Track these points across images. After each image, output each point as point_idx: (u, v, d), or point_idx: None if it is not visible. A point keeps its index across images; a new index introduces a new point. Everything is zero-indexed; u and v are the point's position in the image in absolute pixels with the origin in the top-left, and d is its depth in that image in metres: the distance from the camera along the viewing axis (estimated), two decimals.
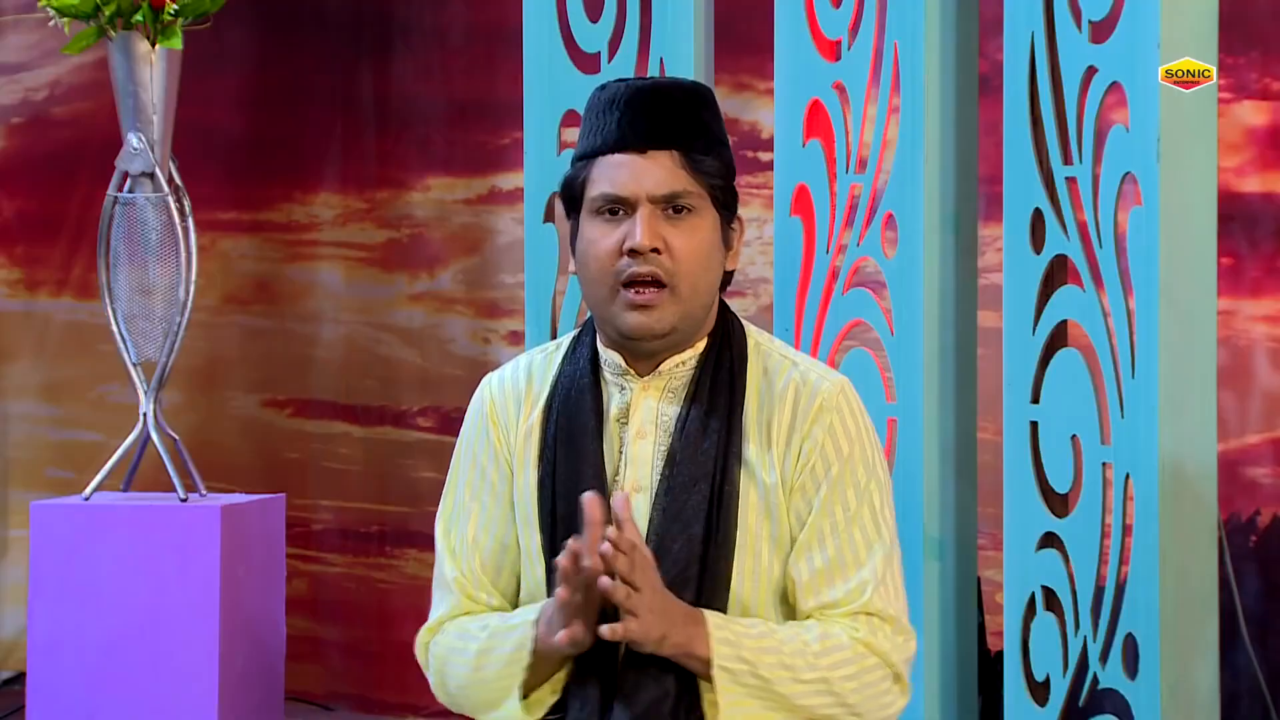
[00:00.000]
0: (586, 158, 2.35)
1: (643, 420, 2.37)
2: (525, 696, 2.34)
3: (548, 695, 2.35)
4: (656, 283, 2.31)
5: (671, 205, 2.32)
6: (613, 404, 2.38)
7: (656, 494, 2.33)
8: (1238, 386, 4.23)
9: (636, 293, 2.31)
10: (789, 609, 2.36)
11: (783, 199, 3.57)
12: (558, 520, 2.35)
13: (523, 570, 2.40)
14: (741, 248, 2.42)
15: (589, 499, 2.25)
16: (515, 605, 2.42)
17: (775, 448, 2.34)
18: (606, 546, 2.19)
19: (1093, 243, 3.10)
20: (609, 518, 2.23)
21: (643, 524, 2.32)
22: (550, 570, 2.32)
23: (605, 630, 2.22)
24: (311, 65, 5.56)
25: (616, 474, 2.37)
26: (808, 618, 2.34)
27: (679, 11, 3.65)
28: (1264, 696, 3.82)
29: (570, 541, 2.24)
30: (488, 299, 5.35)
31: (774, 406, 2.36)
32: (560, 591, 2.24)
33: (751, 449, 2.35)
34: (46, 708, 4.29)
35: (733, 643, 2.27)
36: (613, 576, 2.21)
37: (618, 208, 2.33)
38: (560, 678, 2.34)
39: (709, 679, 2.27)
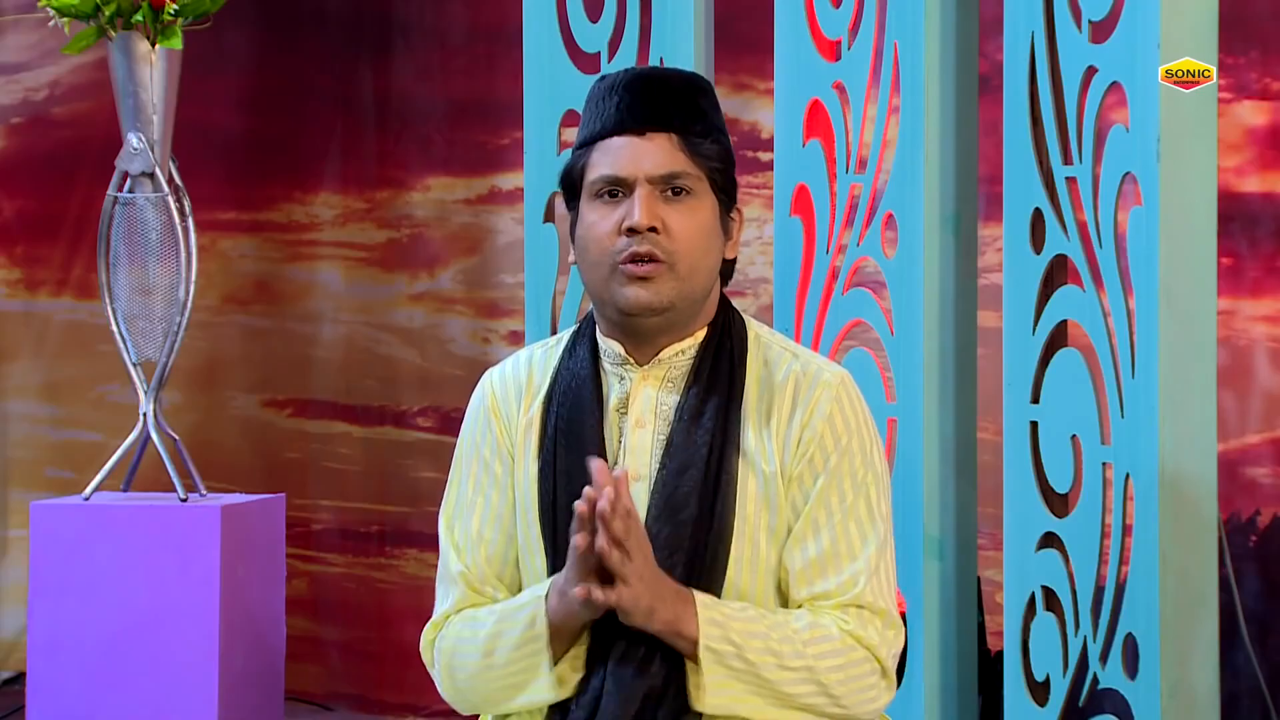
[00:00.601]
0: (586, 144, 2.36)
1: (642, 409, 2.37)
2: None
3: (571, 672, 2.31)
4: (655, 260, 2.31)
5: (670, 186, 2.32)
6: (613, 394, 2.39)
7: (655, 482, 2.32)
8: (1238, 386, 4.23)
9: (636, 265, 2.31)
10: (786, 599, 2.35)
11: (783, 199, 3.57)
12: (558, 511, 2.34)
13: (522, 562, 2.39)
14: (741, 238, 2.42)
15: (597, 463, 2.23)
16: None
17: (775, 437, 2.34)
18: (605, 504, 2.18)
19: (1093, 243, 3.10)
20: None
21: (641, 511, 2.32)
22: (552, 557, 2.32)
23: (596, 594, 2.20)
24: (311, 65, 5.56)
25: (616, 463, 2.36)
26: (799, 607, 2.33)
27: (679, 11, 3.65)
28: (1264, 696, 3.82)
29: (587, 490, 2.22)
30: (488, 299, 5.35)
31: (774, 396, 2.36)
32: (578, 539, 2.21)
33: (751, 438, 2.34)
34: (46, 708, 4.29)
35: (720, 624, 2.26)
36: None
37: (616, 189, 2.33)
38: (581, 654, 2.31)
39: (695, 660, 2.26)
